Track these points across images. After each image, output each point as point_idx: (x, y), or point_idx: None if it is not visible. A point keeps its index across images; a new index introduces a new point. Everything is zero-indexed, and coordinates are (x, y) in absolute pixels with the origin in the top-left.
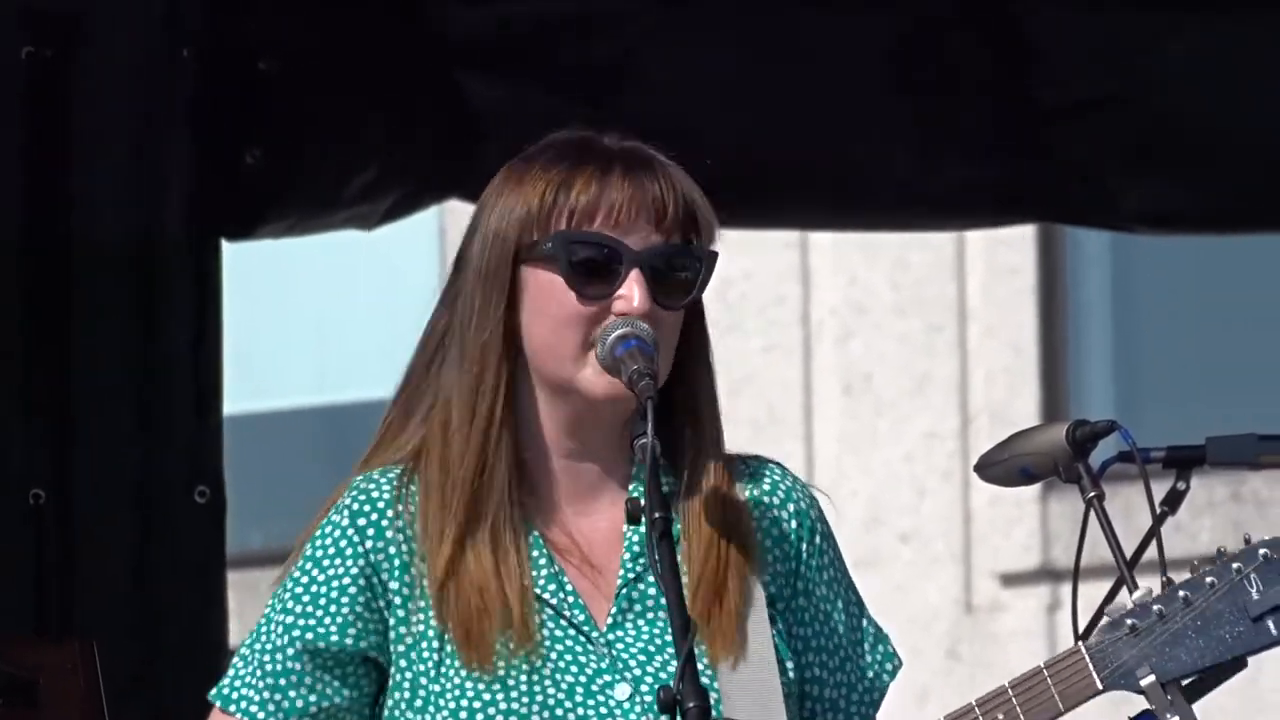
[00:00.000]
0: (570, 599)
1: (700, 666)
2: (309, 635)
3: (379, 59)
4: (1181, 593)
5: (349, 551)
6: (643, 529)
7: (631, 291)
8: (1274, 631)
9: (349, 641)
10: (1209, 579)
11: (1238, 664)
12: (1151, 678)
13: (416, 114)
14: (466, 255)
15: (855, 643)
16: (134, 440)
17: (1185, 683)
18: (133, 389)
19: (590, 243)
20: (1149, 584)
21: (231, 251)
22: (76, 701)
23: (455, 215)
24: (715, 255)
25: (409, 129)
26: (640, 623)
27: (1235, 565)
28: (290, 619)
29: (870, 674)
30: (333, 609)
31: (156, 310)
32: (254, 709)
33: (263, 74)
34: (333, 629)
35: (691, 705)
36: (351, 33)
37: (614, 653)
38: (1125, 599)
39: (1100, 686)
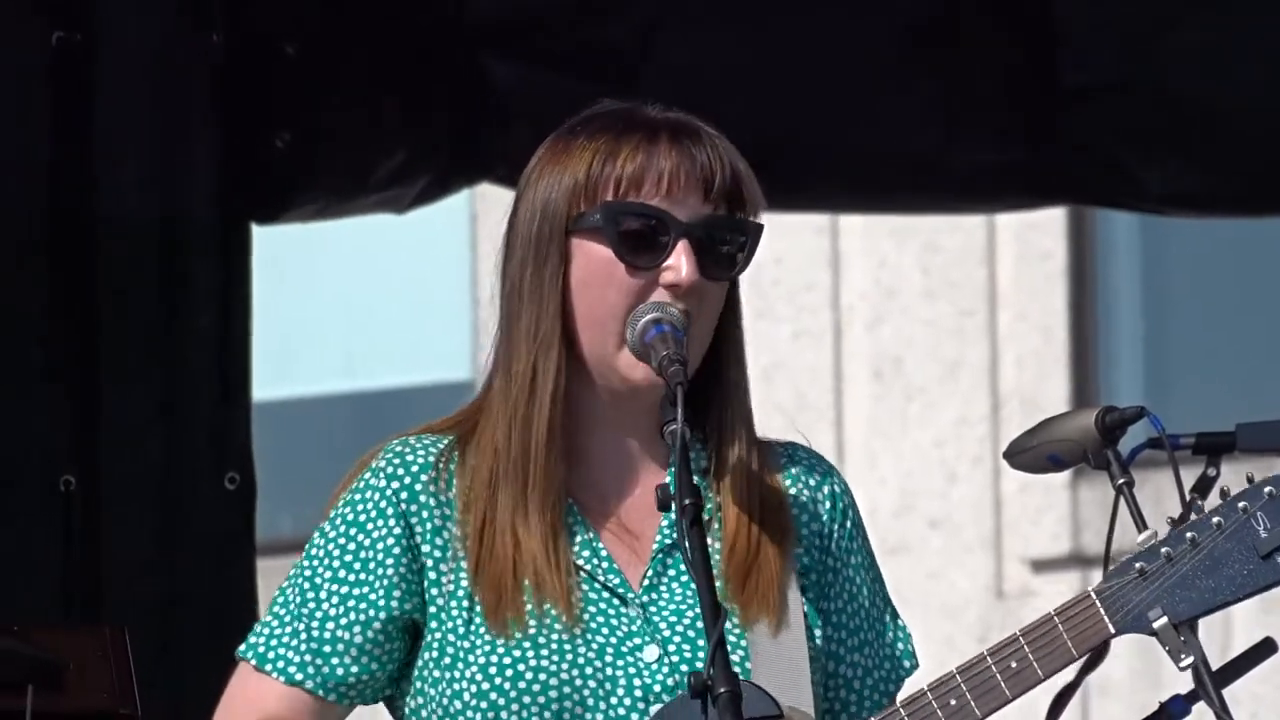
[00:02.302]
0: (605, 564)
1: (731, 630)
2: (363, 604)
3: (406, 42)
4: (1189, 534)
5: (389, 512)
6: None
7: (679, 262)
8: None
9: (395, 604)
10: (1215, 519)
11: (1268, 649)
12: (1164, 619)
13: (444, 97)
14: (515, 230)
15: (878, 632)
16: (163, 426)
17: (1216, 668)
18: (162, 375)
19: (638, 213)
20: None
21: (260, 236)
22: (106, 687)
23: (486, 200)
24: (761, 227)
25: (437, 113)
26: (675, 586)
27: (1241, 504)
28: (344, 589)
29: (888, 665)
30: (379, 571)
31: (185, 295)
32: (292, 670)
33: (289, 58)
34: (381, 593)
35: (723, 691)
36: (377, 16)
37: (647, 614)
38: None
39: (1112, 630)
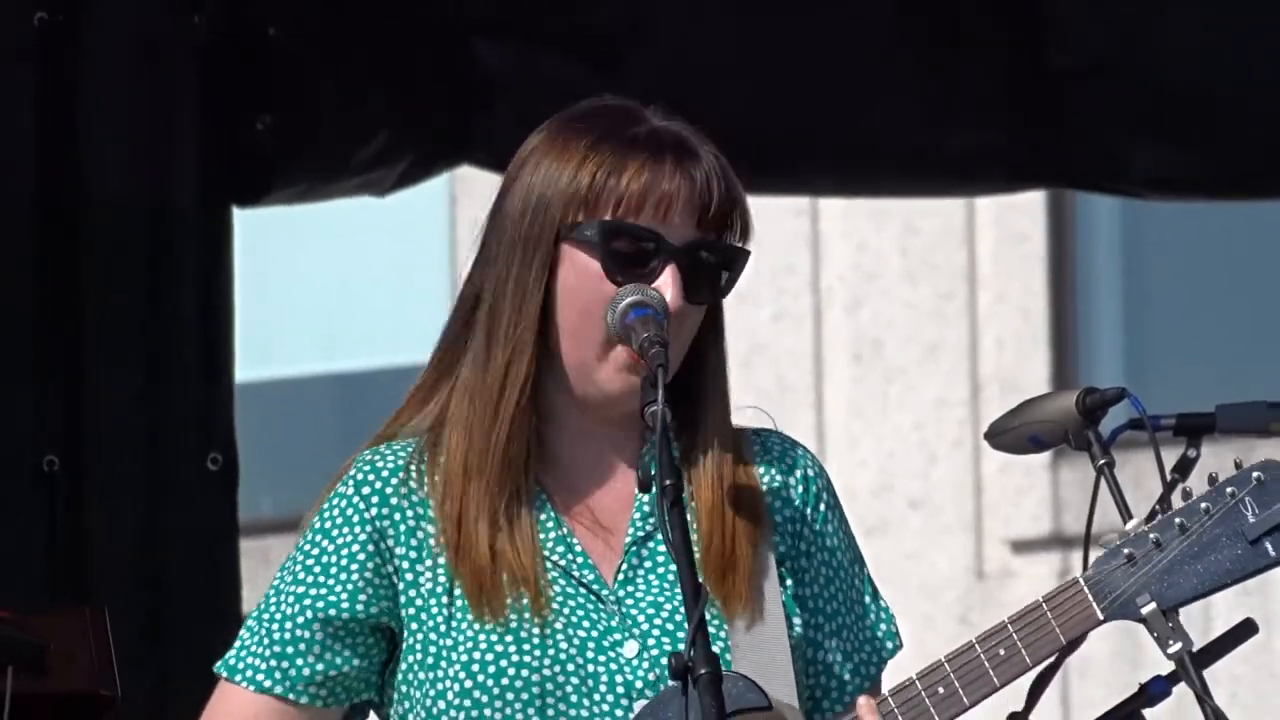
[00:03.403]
0: (579, 559)
1: (712, 621)
2: (319, 604)
3: (389, 25)
4: (1177, 520)
5: (355, 519)
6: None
7: (665, 287)
8: (1272, 553)
9: (359, 608)
10: (1204, 505)
11: (1249, 629)
12: (1152, 605)
13: (427, 80)
14: (503, 215)
15: (859, 615)
16: (146, 407)
17: (1196, 649)
18: (144, 356)
19: (633, 234)
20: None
21: (241, 218)
22: (87, 669)
23: (466, 182)
24: (747, 255)
25: (420, 95)
26: (651, 578)
27: (1229, 490)
28: (301, 589)
29: (869, 648)
30: (342, 576)
31: (168, 277)
32: (260, 677)
33: (273, 40)
34: (343, 596)
35: (703, 672)
36: None
37: (623, 610)
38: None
39: (1101, 617)
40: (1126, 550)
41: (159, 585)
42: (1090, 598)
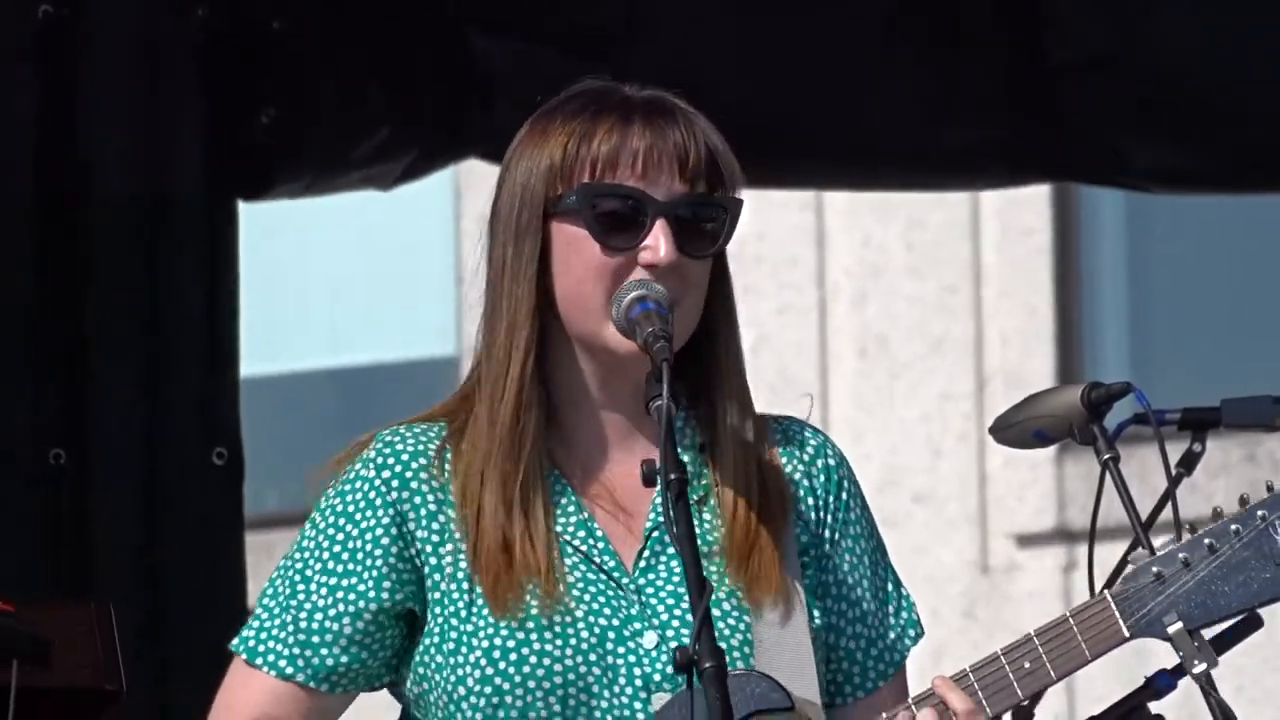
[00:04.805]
0: (600, 545)
1: (730, 614)
2: (351, 595)
3: (392, 19)
4: (1206, 540)
5: (378, 502)
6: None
7: (657, 242)
8: None
9: (385, 595)
10: (1233, 526)
11: (1254, 623)
12: (1179, 625)
13: (430, 74)
14: (497, 212)
15: (881, 602)
16: (151, 402)
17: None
18: (149, 350)
19: (613, 194)
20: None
21: (245, 212)
22: (92, 663)
23: (471, 176)
24: (740, 203)
25: (422, 89)
26: (673, 564)
27: (1260, 512)
28: (334, 580)
29: (891, 635)
30: (368, 563)
31: (172, 271)
32: (282, 663)
33: (276, 33)
34: (370, 584)
35: (708, 665)
36: None
37: (643, 598)
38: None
39: (1127, 634)
40: (1155, 569)
41: (164, 580)
42: (1117, 615)
